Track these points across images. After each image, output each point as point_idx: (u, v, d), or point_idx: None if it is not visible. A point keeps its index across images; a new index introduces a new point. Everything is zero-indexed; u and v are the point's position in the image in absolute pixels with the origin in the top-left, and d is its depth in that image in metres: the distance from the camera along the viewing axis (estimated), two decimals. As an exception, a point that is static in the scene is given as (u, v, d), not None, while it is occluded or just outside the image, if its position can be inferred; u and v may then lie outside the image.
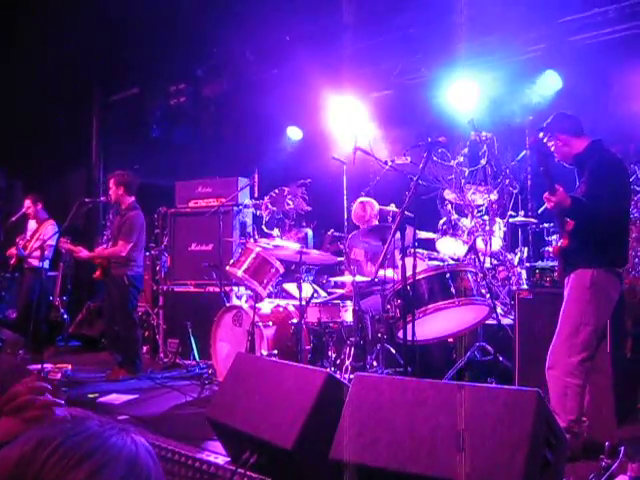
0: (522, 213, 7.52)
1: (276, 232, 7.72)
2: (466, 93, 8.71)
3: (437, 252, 7.34)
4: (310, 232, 9.12)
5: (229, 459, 4.33)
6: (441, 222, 7.36)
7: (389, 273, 5.97)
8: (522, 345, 5.70)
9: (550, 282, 5.98)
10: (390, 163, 6.45)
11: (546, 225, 7.20)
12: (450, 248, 7.31)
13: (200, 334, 8.14)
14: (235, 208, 8.68)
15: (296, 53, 9.53)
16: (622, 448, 4.12)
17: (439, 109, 8.88)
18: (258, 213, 8.35)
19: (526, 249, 7.42)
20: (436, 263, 6.90)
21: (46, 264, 9.07)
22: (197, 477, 4.14)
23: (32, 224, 9.82)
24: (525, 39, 8.46)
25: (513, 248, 7.55)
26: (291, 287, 7.79)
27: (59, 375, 7.64)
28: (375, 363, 6.42)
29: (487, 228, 7.13)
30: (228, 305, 7.57)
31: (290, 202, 7.97)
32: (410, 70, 9.65)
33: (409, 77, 9.72)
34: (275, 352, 6.73)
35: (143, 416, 6.01)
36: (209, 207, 8.64)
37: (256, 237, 7.72)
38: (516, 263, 7.20)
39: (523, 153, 7.36)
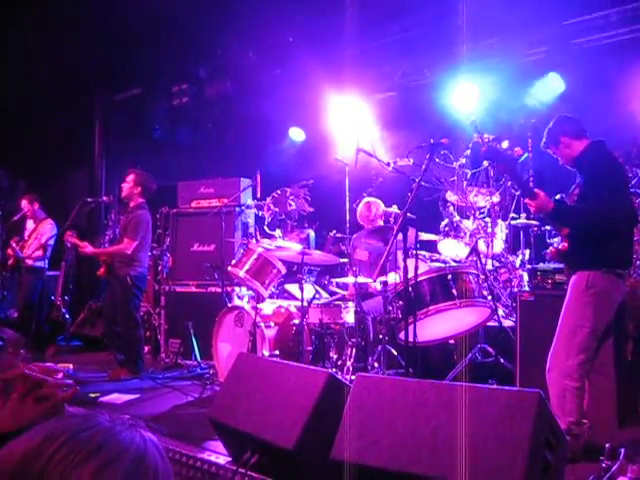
0: (524, 215, 7.51)
1: (278, 233, 7.73)
2: (469, 95, 8.72)
3: (439, 254, 7.34)
4: (312, 233, 9.12)
5: (230, 459, 4.34)
6: (443, 224, 7.37)
7: (391, 279, 5.97)
8: (523, 347, 5.71)
9: (552, 284, 5.98)
10: (392, 164, 6.45)
11: (548, 227, 7.20)
12: (452, 250, 7.32)
13: (202, 334, 8.15)
14: (237, 209, 8.69)
15: (299, 54, 9.53)
16: (622, 450, 4.12)
17: (442, 111, 8.88)
18: (260, 214, 8.36)
19: (528, 251, 7.42)
20: (438, 265, 6.90)
21: (42, 263, 9.09)
22: (198, 477, 4.16)
23: (30, 224, 9.86)
24: (528, 42, 8.47)
25: (515, 250, 7.55)
26: (293, 288, 7.80)
27: (60, 375, 7.64)
28: (376, 364, 6.43)
29: (489, 230, 7.13)
30: (230, 305, 7.59)
31: (292, 203, 7.97)
32: (413, 72, 9.65)
33: (412, 79, 9.72)
34: (276, 353, 6.75)
35: (144, 416, 6.02)
36: (211, 207, 8.65)
37: (258, 238, 7.73)
38: (518, 265, 7.21)
39: (525, 155, 7.36)
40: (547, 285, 6.01)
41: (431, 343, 6.24)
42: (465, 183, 7.29)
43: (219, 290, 8.19)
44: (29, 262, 9.47)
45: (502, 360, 6.21)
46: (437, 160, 6.83)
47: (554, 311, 5.38)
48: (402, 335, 5.47)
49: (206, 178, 9.28)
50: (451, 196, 7.35)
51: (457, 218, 7.30)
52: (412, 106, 9.46)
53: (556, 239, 6.86)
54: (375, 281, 6.51)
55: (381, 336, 6.32)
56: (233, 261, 7.35)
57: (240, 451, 3.94)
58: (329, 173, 8.33)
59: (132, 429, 1.13)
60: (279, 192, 8.05)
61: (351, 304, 6.82)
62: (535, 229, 7.40)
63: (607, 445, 4.08)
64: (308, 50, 9.40)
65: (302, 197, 8.04)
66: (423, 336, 5.58)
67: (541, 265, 6.61)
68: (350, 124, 9.05)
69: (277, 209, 8.03)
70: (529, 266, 7.06)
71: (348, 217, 7.43)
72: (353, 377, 5.53)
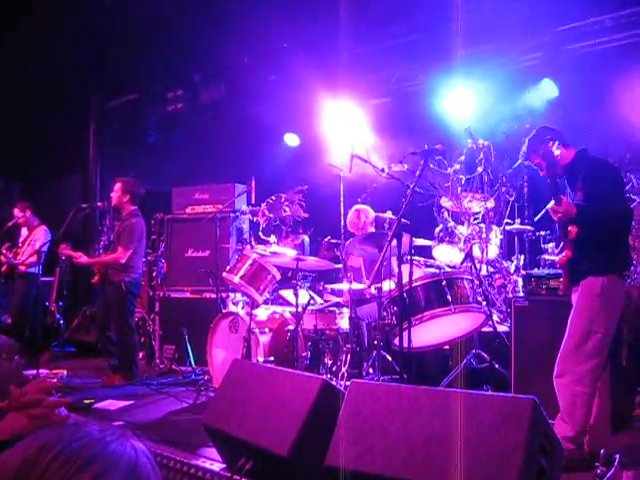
0: (518, 221, 7.54)
1: (273, 239, 7.72)
2: (463, 101, 8.74)
3: (433, 259, 7.35)
4: (307, 239, 9.13)
5: (225, 465, 4.33)
6: (437, 229, 7.38)
7: (385, 287, 5.97)
8: (518, 353, 5.71)
9: (546, 290, 5.99)
10: (387, 170, 6.45)
11: (542, 233, 7.22)
12: (446, 255, 7.33)
13: (196, 340, 8.13)
14: (232, 214, 8.68)
15: (294, 60, 9.54)
16: (617, 456, 4.12)
17: (436, 117, 8.89)
18: (255, 220, 8.34)
19: (522, 257, 7.44)
20: (432, 270, 6.92)
21: (37, 269, 9.08)
22: (192, 483, 4.15)
23: (24, 231, 9.87)
24: (522, 47, 8.50)
25: (509, 256, 7.56)
26: (287, 294, 7.79)
27: (55, 381, 7.64)
28: (371, 370, 6.43)
29: (483, 236, 7.14)
30: (224, 311, 7.57)
31: (287, 209, 7.97)
32: (408, 77, 9.68)
33: (406, 84, 9.75)
34: (271, 359, 6.74)
35: (139, 422, 6.01)
36: (206, 213, 8.64)
37: (253, 243, 7.72)
38: (512, 271, 7.22)
39: (519, 161, 7.36)
40: (541, 291, 6.01)
41: (426, 349, 6.23)
42: (459, 189, 7.31)
43: (214, 296, 8.17)
44: (22, 268, 9.48)
45: (497, 366, 6.21)
46: (431, 166, 6.83)
47: (549, 316, 5.40)
48: (397, 341, 5.46)
49: (201, 184, 9.27)
50: (446, 202, 7.36)
51: (452, 224, 7.31)
52: (406, 112, 9.49)
53: (550, 244, 6.88)
54: (370, 287, 6.51)
55: (376, 342, 6.32)
56: (228, 267, 7.34)
57: (234, 458, 3.93)
58: (324, 179, 8.32)
59: (122, 439, 1.13)
60: (274, 198, 8.05)
61: (346, 310, 6.81)
62: (529, 234, 7.42)
63: (602, 451, 4.08)
64: (303, 56, 9.41)
65: (297, 203, 8.03)
66: (418, 342, 5.57)
67: (535, 270, 6.62)
68: (344, 130, 9.05)
69: (272, 215, 8.02)
70: (524, 272, 7.06)
71: (343, 223, 7.43)
72: (348, 383, 5.53)
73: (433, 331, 5.97)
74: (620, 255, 4.69)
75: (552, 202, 4.57)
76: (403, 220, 5.09)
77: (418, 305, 5.76)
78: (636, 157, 6.78)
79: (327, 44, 9.51)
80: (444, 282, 5.86)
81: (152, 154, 12.28)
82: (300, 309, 6.46)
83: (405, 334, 4.88)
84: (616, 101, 7.49)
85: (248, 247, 7.55)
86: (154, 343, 9.14)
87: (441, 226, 7.36)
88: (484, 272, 7.07)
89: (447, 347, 6.67)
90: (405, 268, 5.08)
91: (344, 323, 6.74)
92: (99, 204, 8.95)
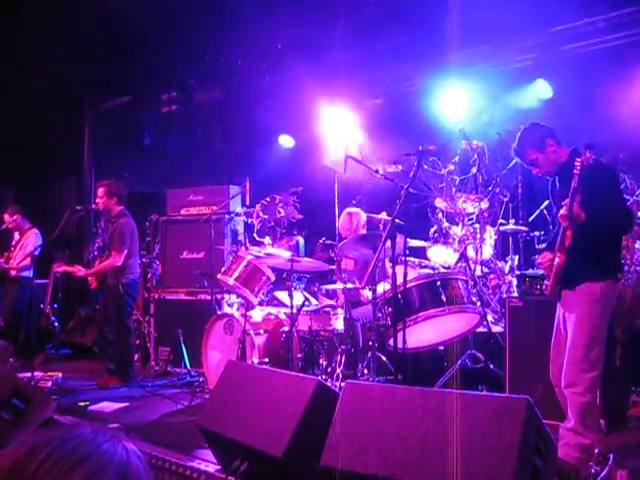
0: (513, 221, 7.55)
1: (267, 240, 7.72)
2: (457, 102, 8.76)
3: (428, 260, 7.35)
4: (301, 240, 9.13)
5: (220, 467, 4.33)
6: (432, 230, 7.38)
7: (380, 289, 5.97)
8: (512, 353, 5.72)
9: (540, 290, 5.99)
10: (381, 171, 6.47)
11: (537, 233, 7.23)
12: (441, 256, 7.33)
13: (191, 342, 8.12)
14: (227, 216, 8.68)
15: (288, 61, 9.54)
16: (611, 455, 4.13)
17: (430, 118, 8.91)
18: (249, 221, 8.35)
19: (517, 257, 7.45)
20: (427, 271, 6.92)
21: (30, 273, 9.09)
22: (187, 485, 4.15)
23: (16, 236, 9.90)
24: (516, 48, 8.52)
25: (504, 256, 7.57)
26: (282, 295, 7.78)
27: (49, 383, 7.63)
28: (366, 371, 6.42)
29: (478, 236, 7.15)
30: (219, 313, 7.58)
31: (281, 210, 7.98)
32: (402, 79, 9.70)
33: (401, 86, 9.76)
34: (266, 360, 6.73)
35: (134, 424, 6.00)
36: (201, 215, 8.64)
37: (247, 245, 7.73)
38: (507, 271, 7.23)
39: (514, 161, 7.38)
40: (536, 291, 6.02)
41: (421, 349, 6.23)
42: (454, 189, 7.32)
43: (209, 298, 8.18)
44: (13, 273, 9.50)
45: (491, 366, 6.21)
46: (425, 167, 6.84)
47: (543, 317, 5.39)
48: (391, 342, 5.46)
49: (195, 185, 9.27)
50: (440, 202, 7.37)
51: (446, 224, 7.32)
52: (401, 113, 9.50)
53: (544, 245, 6.88)
54: (364, 289, 6.52)
55: (371, 343, 6.32)
56: (223, 268, 7.34)
57: (229, 459, 3.94)
58: (318, 180, 8.33)
59: (114, 440, 1.13)
60: (268, 199, 8.05)
61: (340, 311, 6.82)
62: (524, 234, 7.44)
63: (596, 450, 4.09)
64: (297, 57, 9.41)
65: (291, 204, 8.04)
66: (412, 342, 5.58)
67: (530, 271, 6.63)
68: (339, 131, 9.05)
69: (266, 216, 8.03)
70: (518, 272, 7.08)
71: (337, 224, 7.44)
72: (343, 384, 5.53)
73: (428, 332, 5.97)
74: (616, 259, 4.67)
75: (563, 209, 4.47)
76: (397, 221, 5.09)
77: (413, 306, 5.77)
78: (630, 158, 6.78)
79: (322, 46, 9.51)
80: (438, 283, 5.86)
81: (147, 156, 12.28)
82: (295, 310, 6.46)
83: (400, 335, 4.88)
84: (609, 101, 7.51)
85: (243, 249, 7.56)
86: (149, 345, 9.13)
87: (435, 227, 7.37)
88: (478, 273, 7.08)
89: (442, 348, 6.67)
90: (399, 269, 5.09)
91: (339, 324, 6.74)
92: (94, 206, 8.93)
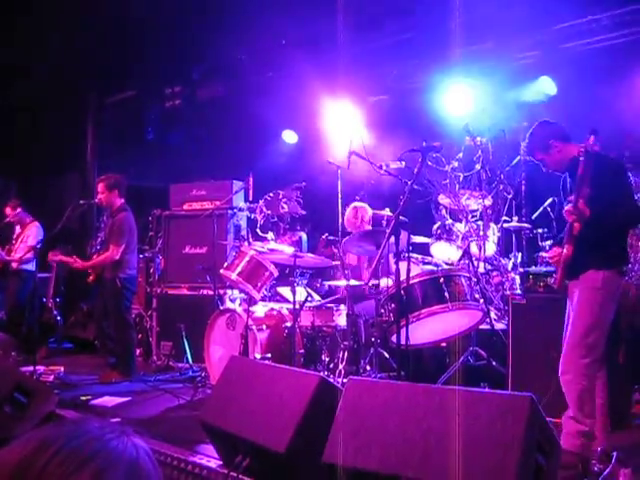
0: (516, 218, 7.54)
1: (270, 235, 7.72)
2: (461, 98, 8.75)
3: (431, 257, 7.34)
4: (304, 236, 9.12)
5: (221, 462, 4.32)
6: (435, 227, 7.38)
7: (383, 284, 5.97)
8: (515, 350, 5.71)
9: (543, 287, 5.98)
10: (385, 167, 6.45)
11: (540, 230, 7.21)
12: (444, 253, 7.32)
13: (193, 337, 8.13)
14: (229, 211, 8.67)
15: (292, 56, 9.53)
16: (615, 454, 4.13)
17: (434, 114, 8.89)
18: (252, 216, 8.34)
19: (520, 254, 7.44)
20: (430, 268, 6.91)
21: (32, 266, 9.08)
22: (189, 480, 4.15)
23: (18, 229, 9.91)
24: (520, 45, 8.50)
25: (507, 253, 7.57)
26: (285, 291, 7.79)
27: (51, 377, 7.63)
28: (368, 367, 6.43)
29: (481, 233, 7.15)
30: (222, 308, 7.57)
31: (285, 205, 7.97)
32: (406, 75, 9.67)
33: (405, 82, 9.74)
34: (268, 356, 6.73)
35: (135, 419, 6.00)
36: (203, 210, 8.62)
37: (250, 240, 7.71)
38: (510, 268, 7.22)
39: (517, 158, 7.37)
40: (539, 288, 6.01)
41: (423, 346, 6.24)
42: (457, 186, 7.31)
43: (211, 293, 8.16)
44: (14, 265, 9.50)
45: (494, 363, 6.21)
46: (429, 163, 6.83)
47: (546, 314, 5.39)
48: (394, 338, 5.46)
49: (198, 180, 9.26)
50: (443, 199, 7.36)
51: (449, 221, 7.31)
52: (405, 109, 9.49)
53: (548, 242, 6.87)
54: (367, 284, 6.51)
55: (373, 339, 6.33)
56: (225, 264, 7.33)
57: (231, 455, 3.93)
58: (321, 176, 8.32)
59: (122, 436, 1.12)
60: (271, 195, 8.05)
61: (343, 307, 6.81)
62: (527, 232, 7.42)
63: (599, 449, 4.09)
64: (301, 53, 9.41)
65: (294, 200, 8.03)
66: (415, 339, 5.57)
67: (533, 268, 6.63)
68: (343, 127, 9.04)
69: (269, 212, 8.03)
70: (521, 269, 7.07)
71: (340, 220, 7.42)
72: (345, 380, 5.53)
73: (430, 328, 5.97)
74: (621, 251, 4.67)
75: (568, 205, 4.49)
76: (401, 217, 5.09)
77: (415, 302, 5.76)
78: (634, 155, 6.76)
79: (325, 41, 9.50)
80: (442, 279, 5.86)
81: (150, 150, 12.27)
82: (297, 306, 6.46)
83: (402, 331, 4.88)
84: (613, 99, 7.49)
85: (246, 244, 7.55)
86: (151, 340, 9.14)
87: (439, 223, 7.36)
88: (482, 269, 7.07)
89: (444, 344, 6.67)
90: (403, 265, 5.08)
91: (341, 320, 6.74)
92: (97, 200, 8.93)
